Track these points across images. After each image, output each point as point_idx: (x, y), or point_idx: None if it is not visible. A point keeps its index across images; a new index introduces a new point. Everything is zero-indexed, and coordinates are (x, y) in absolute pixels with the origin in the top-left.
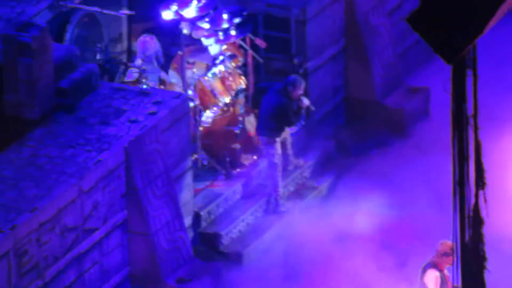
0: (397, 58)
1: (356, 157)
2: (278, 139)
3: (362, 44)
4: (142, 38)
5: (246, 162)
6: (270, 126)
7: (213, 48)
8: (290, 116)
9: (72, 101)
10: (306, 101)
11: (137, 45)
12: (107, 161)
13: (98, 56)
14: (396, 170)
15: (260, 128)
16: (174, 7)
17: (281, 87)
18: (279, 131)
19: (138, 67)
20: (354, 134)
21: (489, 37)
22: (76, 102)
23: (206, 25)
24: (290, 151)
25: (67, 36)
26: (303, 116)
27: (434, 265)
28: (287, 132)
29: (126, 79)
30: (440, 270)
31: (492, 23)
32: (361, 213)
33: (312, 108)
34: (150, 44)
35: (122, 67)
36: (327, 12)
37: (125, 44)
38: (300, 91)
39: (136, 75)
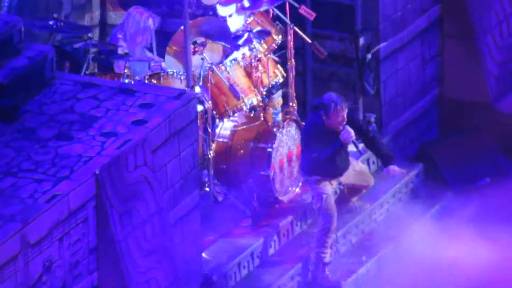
0: None
1: (456, 191)
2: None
3: (468, 14)
4: (131, 9)
5: (284, 198)
6: (312, 159)
7: (234, 20)
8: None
9: (13, 102)
10: (348, 135)
11: (123, 19)
12: (67, 197)
13: (55, 34)
14: None
15: (302, 162)
16: None
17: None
18: (324, 168)
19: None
20: (452, 155)
21: None
22: (19, 104)
23: None
24: None
25: (5, 2)
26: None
27: None
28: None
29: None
30: None
31: None
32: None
33: (359, 147)
34: (138, 18)
35: (93, 51)
36: None
37: (96, 14)
38: (339, 118)
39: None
